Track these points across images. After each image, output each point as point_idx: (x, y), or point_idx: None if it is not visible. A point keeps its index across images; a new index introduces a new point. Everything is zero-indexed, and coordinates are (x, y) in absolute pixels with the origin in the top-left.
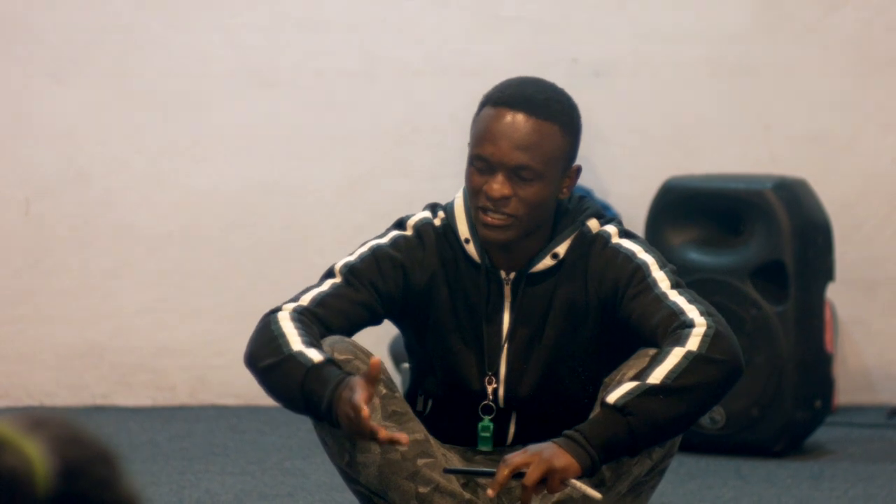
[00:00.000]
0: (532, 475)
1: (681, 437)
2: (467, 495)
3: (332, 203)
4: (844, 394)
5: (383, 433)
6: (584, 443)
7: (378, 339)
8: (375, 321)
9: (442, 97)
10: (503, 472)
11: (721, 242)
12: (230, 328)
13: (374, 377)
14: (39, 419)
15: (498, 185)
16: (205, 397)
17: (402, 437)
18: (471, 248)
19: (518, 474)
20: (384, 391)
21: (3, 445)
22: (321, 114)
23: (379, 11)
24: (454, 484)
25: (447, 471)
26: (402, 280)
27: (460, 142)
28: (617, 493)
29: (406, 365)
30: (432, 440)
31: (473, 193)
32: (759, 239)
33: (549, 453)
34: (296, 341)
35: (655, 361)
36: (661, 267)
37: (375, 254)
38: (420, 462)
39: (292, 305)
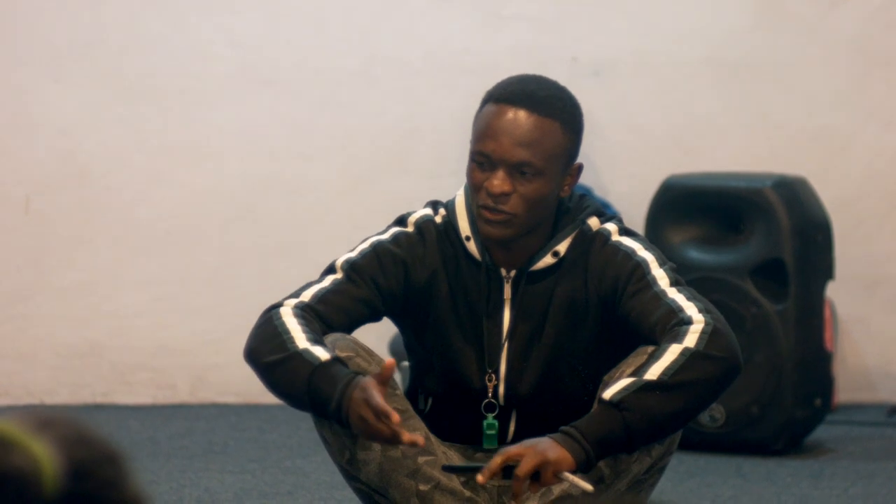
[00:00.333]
0: (525, 466)
1: (680, 434)
2: (468, 493)
3: (331, 202)
4: (844, 392)
5: (406, 436)
6: (579, 438)
7: (379, 338)
8: (375, 318)
9: (442, 97)
10: (496, 460)
11: (721, 241)
12: (230, 327)
13: (387, 378)
14: (46, 419)
15: (499, 182)
16: (205, 395)
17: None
18: (471, 246)
19: (514, 467)
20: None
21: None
22: (321, 113)
23: (379, 11)
24: (454, 482)
25: (445, 468)
26: (403, 276)
27: (460, 141)
28: (616, 491)
29: (406, 363)
30: (433, 438)
31: (474, 190)
32: (759, 237)
33: (544, 446)
34: (301, 338)
35: (653, 358)
36: (661, 265)
37: (377, 250)
38: (421, 460)
39: (294, 301)
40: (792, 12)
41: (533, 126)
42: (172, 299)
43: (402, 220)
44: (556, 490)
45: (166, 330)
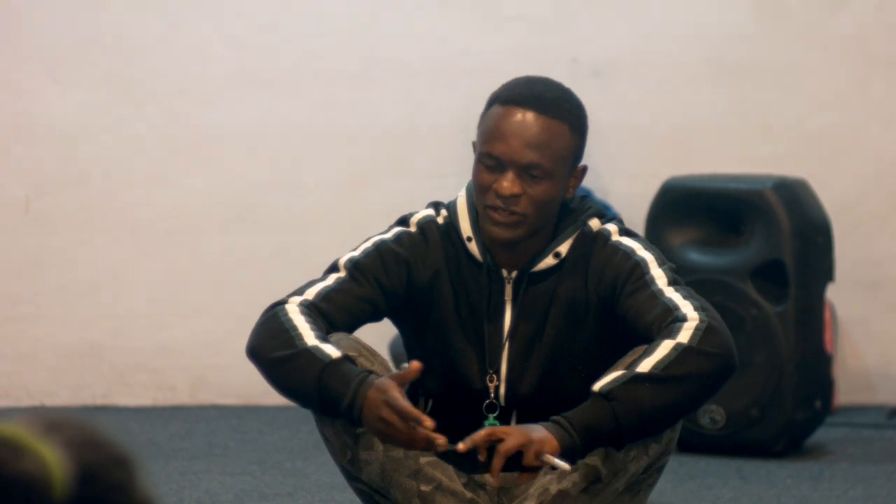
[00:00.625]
0: (508, 443)
1: (678, 434)
2: (469, 494)
3: (331, 203)
4: (844, 394)
5: (441, 439)
6: (566, 425)
7: (380, 338)
8: (377, 317)
9: (442, 97)
10: (481, 433)
11: (721, 242)
12: (230, 328)
13: (409, 380)
14: (55, 422)
15: (508, 183)
16: (205, 397)
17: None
18: (473, 247)
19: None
20: None
21: (19, 450)
22: (321, 114)
23: (379, 12)
24: (456, 483)
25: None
26: (406, 276)
27: (460, 141)
28: (614, 491)
29: (406, 364)
30: None
31: (482, 191)
32: (759, 239)
33: (531, 428)
34: (309, 336)
35: (646, 353)
36: (660, 264)
37: (379, 249)
38: (422, 460)
39: (298, 299)
40: (792, 13)
41: (542, 128)
42: (172, 300)
43: (404, 221)
44: (554, 489)
45: (166, 331)
